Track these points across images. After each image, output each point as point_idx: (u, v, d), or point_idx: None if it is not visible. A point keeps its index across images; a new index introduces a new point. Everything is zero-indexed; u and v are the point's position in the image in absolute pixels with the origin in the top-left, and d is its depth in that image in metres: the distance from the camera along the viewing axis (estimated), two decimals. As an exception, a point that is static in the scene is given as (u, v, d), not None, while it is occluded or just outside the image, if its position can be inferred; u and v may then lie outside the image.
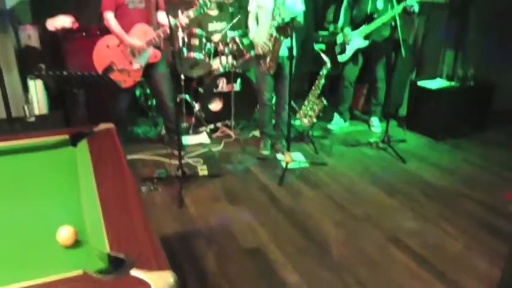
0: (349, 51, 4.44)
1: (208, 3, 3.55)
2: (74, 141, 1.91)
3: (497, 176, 3.67)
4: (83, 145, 1.81)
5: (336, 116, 4.83)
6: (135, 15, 3.57)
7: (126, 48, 3.59)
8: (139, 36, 3.58)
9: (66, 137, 1.92)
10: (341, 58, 4.52)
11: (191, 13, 3.56)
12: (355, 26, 4.41)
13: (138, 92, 4.64)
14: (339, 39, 4.51)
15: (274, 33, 3.54)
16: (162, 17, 3.72)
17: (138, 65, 3.64)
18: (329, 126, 4.79)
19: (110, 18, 3.53)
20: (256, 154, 4.08)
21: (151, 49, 3.64)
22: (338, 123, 4.81)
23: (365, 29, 4.30)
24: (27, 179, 1.66)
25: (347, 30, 4.42)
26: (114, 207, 1.35)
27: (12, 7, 4.00)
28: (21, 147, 1.85)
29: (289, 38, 3.44)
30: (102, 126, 2.04)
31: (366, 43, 4.36)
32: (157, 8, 3.73)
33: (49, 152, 1.84)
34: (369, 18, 4.27)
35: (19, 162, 1.78)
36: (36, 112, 3.67)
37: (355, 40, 4.38)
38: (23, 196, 1.55)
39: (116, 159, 1.66)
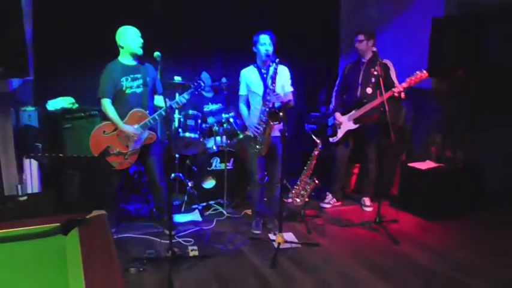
0: (340, 133, 4.60)
1: (202, 84, 3.73)
2: (65, 229, 1.91)
3: (493, 261, 3.58)
4: (74, 235, 1.82)
5: (329, 195, 4.88)
6: (133, 100, 3.71)
7: (122, 132, 3.68)
8: (134, 120, 3.69)
9: (57, 224, 1.93)
10: (332, 140, 4.67)
11: (186, 95, 3.74)
12: (346, 109, 4.59)
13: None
14: (330, 122, 4.70)
15: (266, 118, 3.67)
16: (159, 100, 3.89)
17: (134, 148, 3.73)
18: (322, 205, 4.83)
19: (106, 104, 3.66)
20: (248, 233, 4.05)
21: (146, 132, 3.74)
22: (331, 202, 4.85)
23: (355, 113, 4.49)
24: (14, 271, 1.65)
25: (337, 114, 4.60)
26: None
27: (16, 89, 4.16)
28: (10, 236, 1.85)
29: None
30: (95, 213, 2.06)
31: (356, 126, 4.52)
32: (155, 92, 3.90)
33: (39, 242, 1.83)
34: (359, 103, 4.46)
35: (6, 253, 1.77)
36: (29, 191, 3.68)
37: (346, 123, 4.55)
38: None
39: (106, 253, 1.66)
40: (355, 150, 4.75)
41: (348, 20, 6.25)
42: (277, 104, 3.66)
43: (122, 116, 3.68)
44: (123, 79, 3.66)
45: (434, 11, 4.59)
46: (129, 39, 3.65)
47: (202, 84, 3.74)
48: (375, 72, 4.13)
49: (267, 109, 3.67)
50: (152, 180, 3.95)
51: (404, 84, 4.13)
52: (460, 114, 4.77)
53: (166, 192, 3.55)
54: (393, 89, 4.15)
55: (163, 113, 3.64)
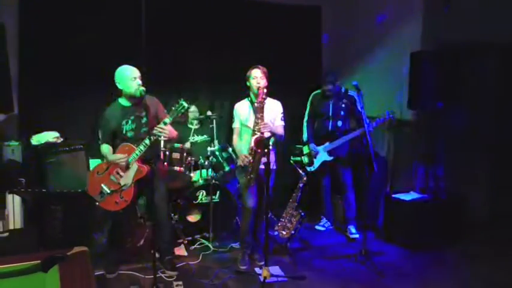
0: (316, 163, 4.78)
1: (184, 105, 3.36)
2: (45, 266, 1.89)
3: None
4: (54, 272, 1.79)
5: (323, 218, 5.05)
6: (134, 138, 3.58)
7: (113, 169, 3.56)
8: (122, 153, 3.55)
9: (38, 261, 1.90)
10: (309, 169, 4.82)
11: (167, 120, 3.42)
12: (318, 140, 4.78)
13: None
14: (305, 150, 4.86)
15: (253, 145, 3.70)
16: None
17: (125, 183, 3.55)
18: (317, 227, 5.00)
19: (102, 150, 3.61)
20: (235, 267, 4.00)
21: (135, 165, 3.56)
22: (325, 226, 5.00)
23: (329, 146, 4.68)
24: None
25: (312, 145, 4.78)
26: None
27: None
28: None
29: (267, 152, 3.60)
30: (76, 249, 2.03)
31: (331, 158, 4.71)
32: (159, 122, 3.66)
33: (18, 279, 1.80)
34: (332, 136, 4.64)
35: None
36: (12, 226, 3.63)
37: (321, 154, 4.74)
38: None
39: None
40: (334, 180, 4.92)
41: (330, 56, 6.41)
42: (266, 134, 3.69)
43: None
44: (123, 122, 3.56)
45: (412, 45, 4.75)
46: (125, 81, 3.50)
47: (185, 104, 3.35)
48: (343, 105, 4.28)
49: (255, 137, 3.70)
50: (157, 219, 3.66)
51: (375, 125, 4.36)
52: (442, 145, 4.86)
53: (172, 231, 3.54)
54: (364, 129, 4.17)
55: (147, 142, 3.45)
